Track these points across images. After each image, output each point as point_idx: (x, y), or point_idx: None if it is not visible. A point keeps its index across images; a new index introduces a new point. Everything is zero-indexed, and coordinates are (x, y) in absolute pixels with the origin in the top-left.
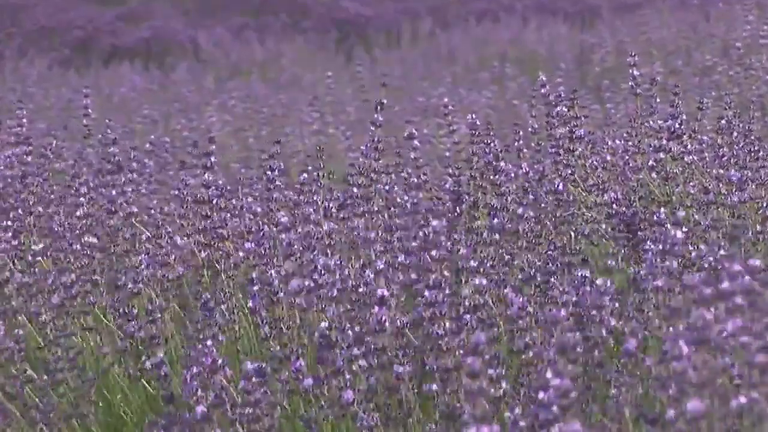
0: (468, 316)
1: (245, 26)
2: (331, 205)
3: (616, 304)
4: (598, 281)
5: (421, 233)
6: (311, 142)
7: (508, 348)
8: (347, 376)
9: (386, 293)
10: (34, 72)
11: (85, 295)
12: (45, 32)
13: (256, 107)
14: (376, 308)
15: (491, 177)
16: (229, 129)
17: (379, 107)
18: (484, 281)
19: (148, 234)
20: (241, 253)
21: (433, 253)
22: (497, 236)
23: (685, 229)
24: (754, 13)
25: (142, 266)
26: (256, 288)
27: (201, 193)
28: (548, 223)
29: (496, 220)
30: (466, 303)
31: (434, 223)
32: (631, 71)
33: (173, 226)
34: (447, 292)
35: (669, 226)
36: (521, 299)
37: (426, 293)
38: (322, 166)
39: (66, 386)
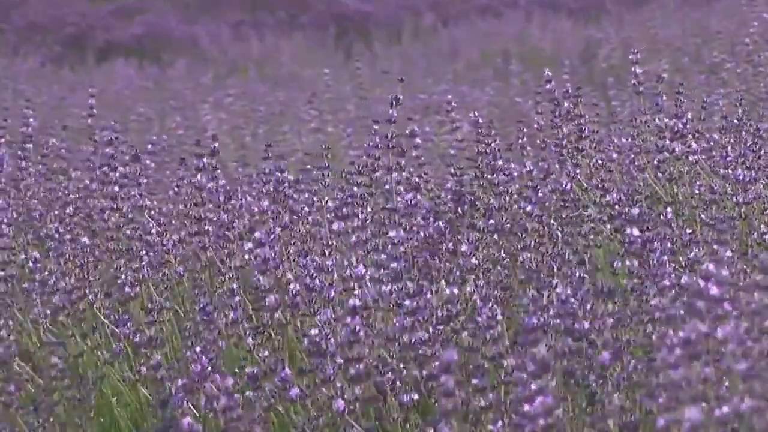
0: (440, 327)
1: (242, 22)
2: (332, 204)
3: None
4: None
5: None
6: (309, 140)
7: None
8: (338, 385)
9: (358, 303)
10: (26, 69)
11: (82, 296)
12: (37, 29)
13: (254, 105)
14: (349, 318)
15: (489, 176)
16: (225, 127)
17: (394, 102)
18: (456, 290)
19: (155, 229)
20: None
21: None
22: (496, 236)
23: (689, 231)
24: (763, 9)
25: (143, 264)
26: (237, 299)
27: (199, 194)
28: (552, 222)
29: (491, 221)
30: (438, 313)
31: (392, 233)
32: (633, 69)
33: (172, 225)
34: (427, 298)
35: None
36: (488, 308)
37: (406, 302)
38: (327, 165)
39: (62, 394)
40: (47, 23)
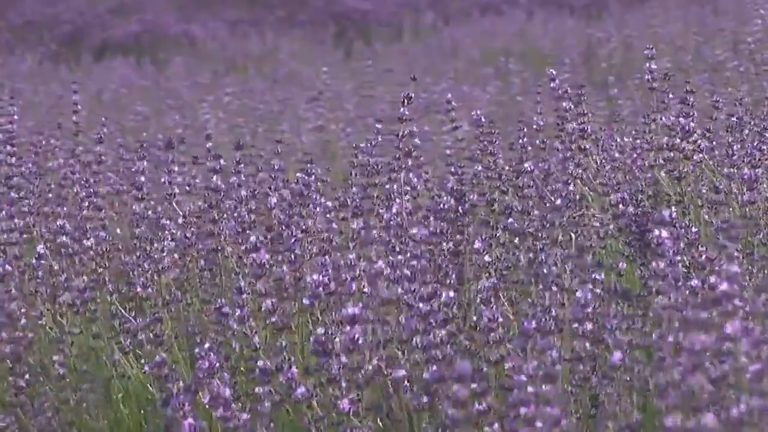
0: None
1: (240, 20)
2: (344, 202)
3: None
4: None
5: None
6: (309, 139)
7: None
8: (343, 384)
9: (357, 311)
10: (23, 68)
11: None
12: (33, 27)
13: (253, 103)
14: (348, 327)
15: (504, 177)
16: (224, 126)
17: (406, 101)
18: (452, 293)
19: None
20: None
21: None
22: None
23: (695, 230)
24: (766, 7)
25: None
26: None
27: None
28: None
29: (510, 220)
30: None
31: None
32: (648, 65)
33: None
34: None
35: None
36: (491, 310)
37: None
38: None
39: (72, 391)
40: (44, 21)
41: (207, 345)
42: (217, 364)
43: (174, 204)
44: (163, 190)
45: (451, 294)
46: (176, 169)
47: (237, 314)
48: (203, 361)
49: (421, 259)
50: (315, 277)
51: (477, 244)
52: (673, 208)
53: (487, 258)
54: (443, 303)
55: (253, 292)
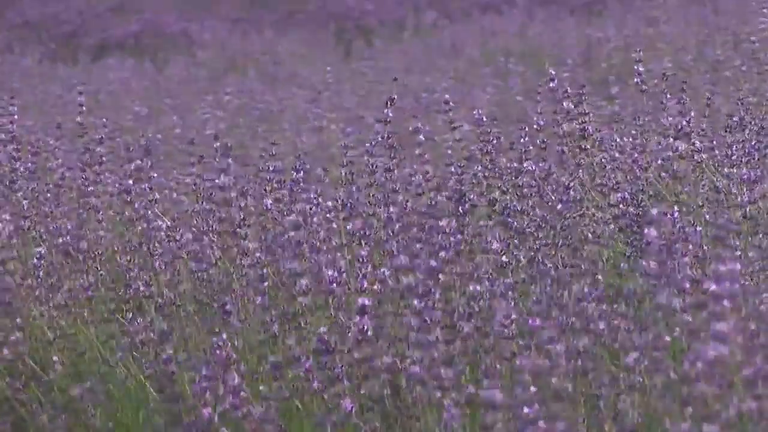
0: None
1: (239, 19)
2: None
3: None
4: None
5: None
6: (309, 139)
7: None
8: (346, 383)
9: (368, 302)
10: (22, 67)
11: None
12: (32, 26)
13: (252, 103)
14: (358, 318)
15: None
16: (223, 126)
17: (389, 102)
18: (479, 287)
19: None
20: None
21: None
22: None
23: (699, 228)
24: None
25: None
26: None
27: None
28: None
29: (510, 219)
30: (460, 310)
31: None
32: (636, 67)
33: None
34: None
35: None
36: (505, 307)
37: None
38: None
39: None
40: (43, 21)
41: (225, 335)
42: (234, 356)
43: (155, 210)
44: (144, 196)
45: (479, 287)
46: (155, 174)
47: (258, 301)
48: (220, 351)
49: (449, 250)
50: (330, 272)
51: (495, 245)
52: (675, 208)
53: (504, 258)
54: (470, 295)
55: (272, 276)
